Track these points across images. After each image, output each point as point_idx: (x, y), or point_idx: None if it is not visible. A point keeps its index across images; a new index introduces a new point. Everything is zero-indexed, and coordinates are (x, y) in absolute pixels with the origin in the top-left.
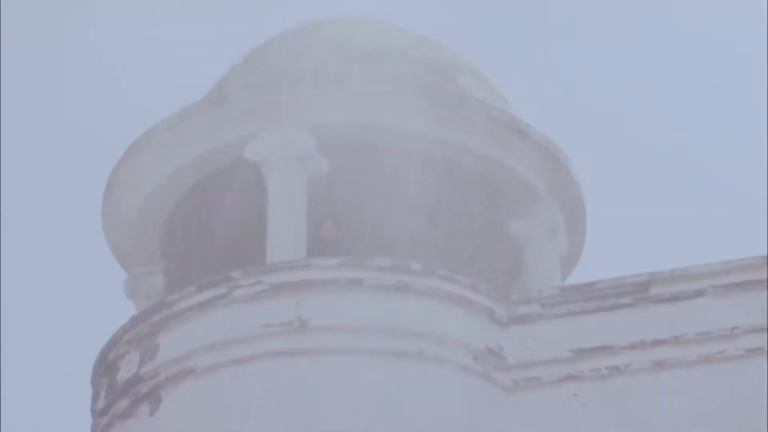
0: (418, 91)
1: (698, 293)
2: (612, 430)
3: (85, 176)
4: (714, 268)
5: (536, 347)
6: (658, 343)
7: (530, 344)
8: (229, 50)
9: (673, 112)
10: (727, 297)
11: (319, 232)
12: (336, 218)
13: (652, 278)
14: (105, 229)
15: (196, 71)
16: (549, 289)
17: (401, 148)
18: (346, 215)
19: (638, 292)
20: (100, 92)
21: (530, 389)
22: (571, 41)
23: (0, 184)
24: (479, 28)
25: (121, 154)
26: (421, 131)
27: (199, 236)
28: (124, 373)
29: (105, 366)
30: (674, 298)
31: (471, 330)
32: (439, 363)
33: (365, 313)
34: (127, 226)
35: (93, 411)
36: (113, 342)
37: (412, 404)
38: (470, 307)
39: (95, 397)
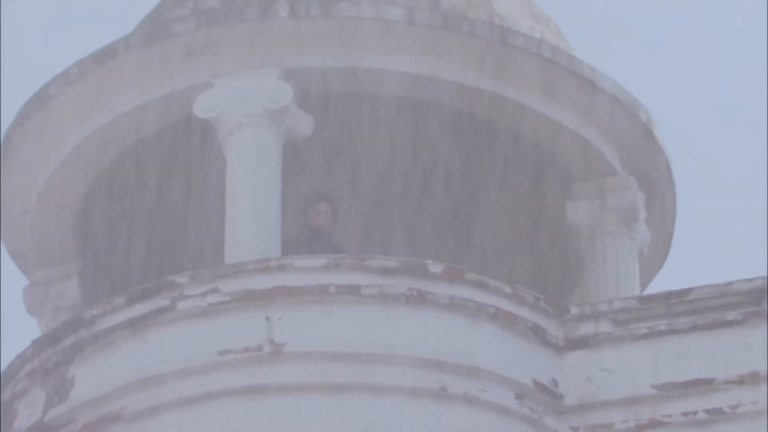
0: (438, 22)
1: None
2: None
3: None
4: None
5: (605, 382)
6: None
7: (597, 377)
8: None
9: None
10: None
11: (307, 218)
12: (331, 199)
13: None
14: None
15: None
16: (624, 300)
17: (416, 102)
18: (338, 196)
19: (750, 303)
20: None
21: None
22: None
23: None
24: None
25: (18, 112)
26: (443, 77)
27: (128, 227)
28: (24, 419)
29: None
30: None
31: (513, 358)
32: (469, 404)
33: (364, 334)
34: (26, 213)
35: None
36: (8, 376)
37: None
38: (512, 324)
39: None
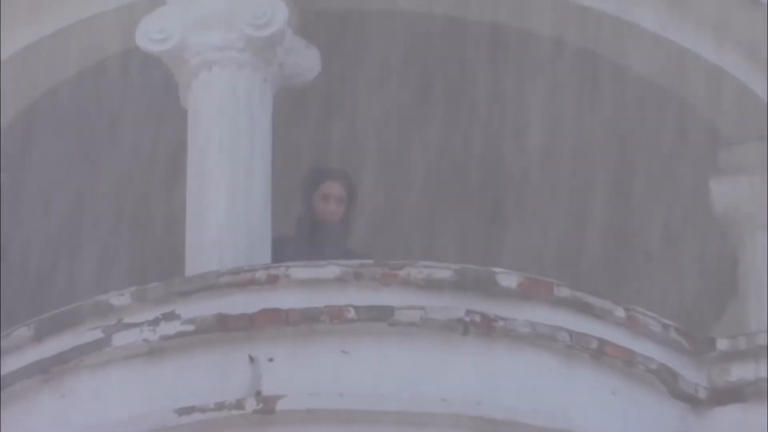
0: None
1: None
2: None
3: None
4: None
5: None
6: None
7: None
8: None
9: None
10: None
11: (311, 205)
12: (346, 178)
13: None
14: None
15: None
16: None
17: (466, 23)
18: (357, 172)
19: None
20: None
21: None
22: None
23: None
24: None
25: None
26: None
27: (41, 217)
28: None
29: None
30: None
31: (628, 417)
32: None
33: (400, 381)
34: None
35: None
36: None
37: None
38: (627, 366)
39: None
